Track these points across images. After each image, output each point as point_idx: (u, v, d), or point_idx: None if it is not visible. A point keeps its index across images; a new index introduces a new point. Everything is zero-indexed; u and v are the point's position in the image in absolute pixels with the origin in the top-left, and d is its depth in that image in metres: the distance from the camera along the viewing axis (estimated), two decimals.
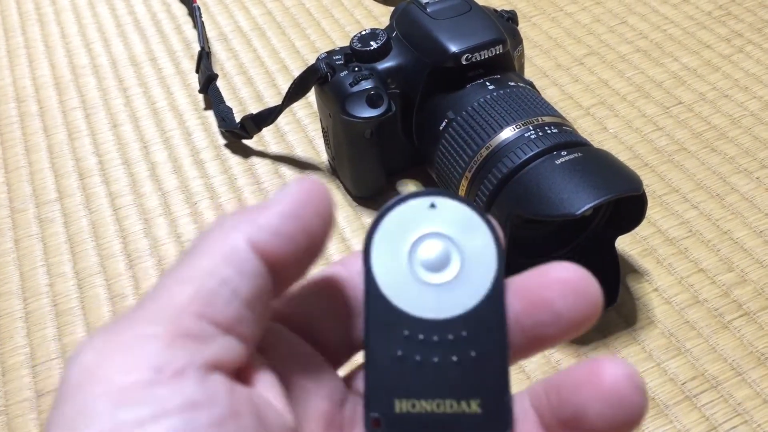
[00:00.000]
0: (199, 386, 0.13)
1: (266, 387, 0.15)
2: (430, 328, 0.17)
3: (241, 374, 0.15)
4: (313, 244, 0.16)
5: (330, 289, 0.18)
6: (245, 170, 0.46)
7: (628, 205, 0.34)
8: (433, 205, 0.18)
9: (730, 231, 0.40)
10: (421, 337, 0.17)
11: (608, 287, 0.36)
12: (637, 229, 0.35)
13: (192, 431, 0.13)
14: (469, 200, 0.18)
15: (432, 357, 0.17)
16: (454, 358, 0.17)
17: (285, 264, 0.15)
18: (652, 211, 0.41)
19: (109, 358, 0.13)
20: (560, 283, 0.16)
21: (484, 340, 0.17)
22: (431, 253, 0.17)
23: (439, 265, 0.17)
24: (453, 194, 0.18)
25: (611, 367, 0.15)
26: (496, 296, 0.17)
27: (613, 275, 0.36)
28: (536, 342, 0.17)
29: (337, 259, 0.19)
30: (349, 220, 0.42)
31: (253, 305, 0.15)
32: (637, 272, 0.38)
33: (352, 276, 0.18)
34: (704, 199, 0.42)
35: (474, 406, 0.16)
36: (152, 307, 0.14)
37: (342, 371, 0.18)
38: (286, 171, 0.45)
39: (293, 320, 0.17)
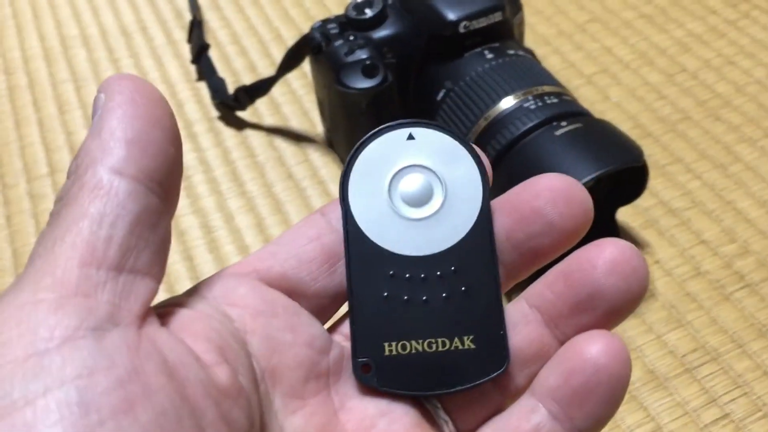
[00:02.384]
0: (93, 348, 0.12)
1: (193, 337, 0.14)
2: (416, 265, 0.16)
3: (162, 321, 0.14)
4: (171, 149, 0.14)
5: (308, 238, 0.16)
6: (239, 143, 0.45)
7: (629, 176, 0.33)
8: (411, 136, 0.17)
9: (733, 201, 0.39)
10: (407, 275, 0.16)
11: None
12: (639, 200, 0.35)
13: (89, 399, 0.12)
14: (449, 128, 0.17)
15: (420, 295, 0.16)
16: (444, 295, 0.16)
17: (158, 178, 0.14)
18: (654, 181, 0.40)
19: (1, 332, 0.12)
20: (550, 191, 0.16)
21: (473, 273, 0.16)
22: (412, 187, 0.16)
23: (421, 198, 0.16)
24: (432, 123, 0.17)
25: (614, 244, 0.15)
26: (482, 227, 0.16)
27: None
28: (530, 256, 0.16)
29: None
30: None
31: (140, 231, 0.13)
32: (638, 244, 0.37)
33: (331, 222, 0.17)
34: (707, 169, 0.41)
35: (468, 342, 0.16)
36: (35, 271, 0.13)
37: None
38: (281, 143, 0.44)
39: (270, 275, 0.16)
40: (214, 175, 0.43)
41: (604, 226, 0.36)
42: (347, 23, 0.39)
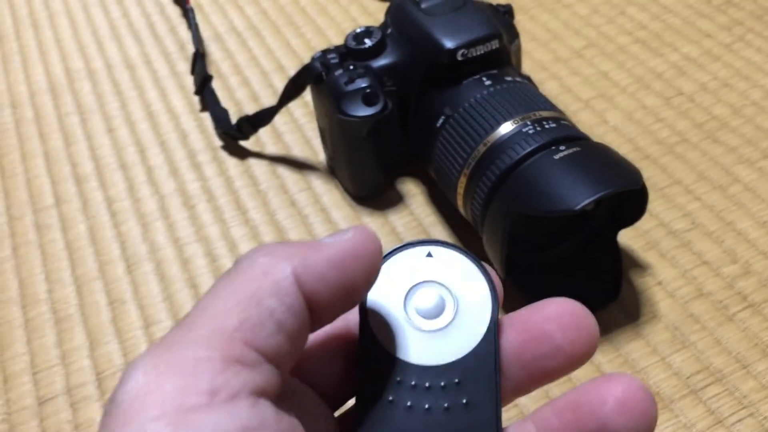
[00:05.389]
0: (251, 411, 0.14)
1: (301, 417, 0.16)
2: (423, 374, 0.17)
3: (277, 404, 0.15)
4: (350, 296, 0.16)
5: (328, 333, 0.18)
6: (242, 172, 0.45)
7: (629, 198, 0.34)
8: (429, 254, 0.18)
9: (733, 222, 0.39)
10: (412, 383, 0.17)
11: (611, 282, 0.35)
12: (640, 222, 0.35)
13: None
14: (465, 249, 0.18)
15: (423, 403, 0.17)
16: (445, 405, 0.17)
17: (321, 308, 0.16)
18: (654, 203, 0.40)
19: (163, 380, 0.13)
20: (561, 316, 0.17)
21: (475, 387, 0.17)
22: (426, 300, 0.18)
23: (433, 312, 0.18)
24: (449, 244, 0.18)
25: (625, 381, 0.16)
26: (488, 344, 0.17)
27: (616, 270, 0.36)
28: (536, 376, 0.17)
29: None
30: (349, 220, 0.42)
31: (292, 339, 0.15)
32: (640, 266, 0.38)
33: (348, 321, 0.18)
34: (707, 190, 0.41)
35: None
36: (201, 331, 0.14)
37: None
38: (284, 172, 0.45)
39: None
40: (218, 203, 0.43)
41: (605, 249, 0.36)
42: (347, 53, 0.40)
